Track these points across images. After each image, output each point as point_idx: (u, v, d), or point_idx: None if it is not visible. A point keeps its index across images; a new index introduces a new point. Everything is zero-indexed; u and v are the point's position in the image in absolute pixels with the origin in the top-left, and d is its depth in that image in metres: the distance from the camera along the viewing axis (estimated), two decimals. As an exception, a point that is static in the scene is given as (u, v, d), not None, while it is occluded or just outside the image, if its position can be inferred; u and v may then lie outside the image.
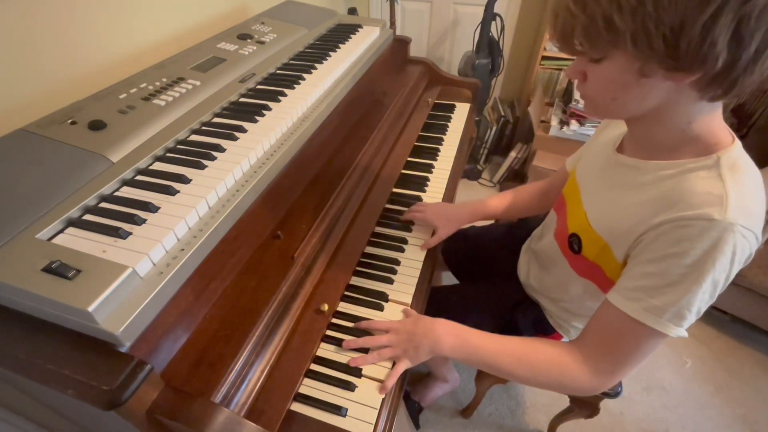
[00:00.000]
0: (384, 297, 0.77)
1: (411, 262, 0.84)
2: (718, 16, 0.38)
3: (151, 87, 0.78)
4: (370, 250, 0.86)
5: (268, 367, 0.61)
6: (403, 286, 0.80)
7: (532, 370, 0.62)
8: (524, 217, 0.99)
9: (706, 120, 0.50)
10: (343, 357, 0.67)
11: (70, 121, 0.67)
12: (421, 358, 0.66)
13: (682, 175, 0.51)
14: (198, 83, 0.82)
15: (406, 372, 0.67)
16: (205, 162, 0.66)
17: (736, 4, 0.38)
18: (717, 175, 0.48)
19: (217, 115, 0.79)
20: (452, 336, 0.66)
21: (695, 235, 0.47)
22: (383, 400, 0.63)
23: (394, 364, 0.66)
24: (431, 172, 1.08)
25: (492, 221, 1.32)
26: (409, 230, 0.91)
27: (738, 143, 0.51)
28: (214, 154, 0.68)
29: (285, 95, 0.86)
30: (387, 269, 0.82)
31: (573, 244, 0.69)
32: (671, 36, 0.40)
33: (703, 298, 0.49)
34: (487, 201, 0.96)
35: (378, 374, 0.66)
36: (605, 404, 1.00)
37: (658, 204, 0.52)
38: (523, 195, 0.95)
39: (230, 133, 0.72)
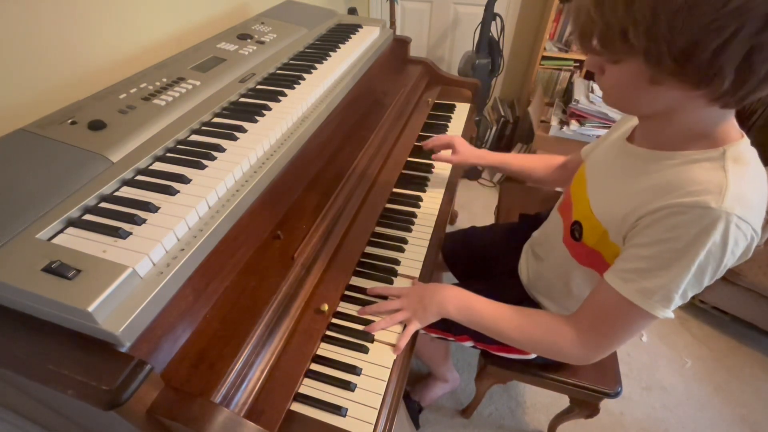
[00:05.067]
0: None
1: (411, 262, 0.84)
2: (729, 43, 0.39)
3: (151, 87, 0.78)
4: (370, 250, 0.86)
5: (268, 367, 0.61)
6: (403, 286, 0.79)
7: (528, 336, 0.67)
8: (534, 184, 1.01)
9: (717, 120, 0.51)
10: (343, 356, 0.67)
11: (70, 121, 0.67)
12: (430, 318, 0.72)
13: (685, 165, 0.52)
14: (198, 83, 0.82)
15: (408, 367, 0.68)
16: (205, 162, 0.66)
17: (750, 33, 0.38)
18: (720, 166, 0.49)
19: (217, 115, 0.79)
20: (458, 299, 0.72)
21: (689, 222, 0.48)
22: (383, 400, 0.63)
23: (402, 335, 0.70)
24: (431, 172, 1.08)
25: (492, 222, 1.32)
26: (409, 230, 0.91)
27: (746, 139, 0.52)
28: (214, 154, 0.68)
29: (285, 95, 0.86)
30: (387, 269, 0.82)
31: (575, 231, 0.70)
32: (681, 57, 0.42)
33: (690, 281, 0.50)
34: (505, 154, 1.02)
35: (379, 374, 0.66)
36: (605, 404, 1.00)
37: (658, 190, 0.53)
38: (543, 162, 0.98)
39: (230, 133, 0.72)
